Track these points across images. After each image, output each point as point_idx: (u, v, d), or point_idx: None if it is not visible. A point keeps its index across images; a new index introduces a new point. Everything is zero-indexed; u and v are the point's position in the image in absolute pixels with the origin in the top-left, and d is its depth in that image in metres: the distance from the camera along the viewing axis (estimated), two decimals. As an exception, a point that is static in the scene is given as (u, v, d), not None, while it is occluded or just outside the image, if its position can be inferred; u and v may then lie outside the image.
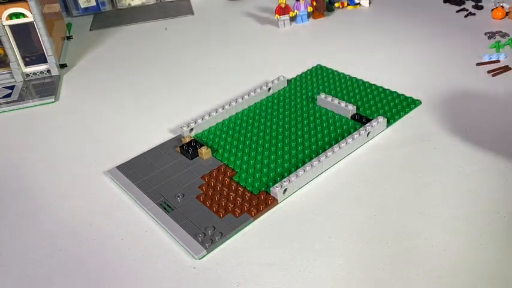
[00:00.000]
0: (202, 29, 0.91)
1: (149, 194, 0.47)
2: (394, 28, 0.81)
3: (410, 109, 0.58)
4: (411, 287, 0.36)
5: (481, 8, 0.84)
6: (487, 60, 0.67)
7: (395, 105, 0.58)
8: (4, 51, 0.72)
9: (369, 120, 0.55)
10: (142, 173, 0.50)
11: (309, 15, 0.89)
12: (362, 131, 0.52)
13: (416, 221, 0.42)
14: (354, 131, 0.53)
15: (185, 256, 0.41)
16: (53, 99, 0.69)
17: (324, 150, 0.51)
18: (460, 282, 0.36)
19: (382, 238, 0.41)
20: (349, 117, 0.56)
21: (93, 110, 0.66)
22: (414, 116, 0.57)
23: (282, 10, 0.85)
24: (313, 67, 0.70)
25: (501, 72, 0.64)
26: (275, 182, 0.47)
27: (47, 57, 0.74)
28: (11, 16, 0.70)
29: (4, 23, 0.70)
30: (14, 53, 0.72)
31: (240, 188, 0.47)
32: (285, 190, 0.46)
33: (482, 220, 0.41)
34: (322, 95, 0.59)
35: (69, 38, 0.91)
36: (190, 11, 1.00)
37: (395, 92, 0.61)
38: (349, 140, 0.51)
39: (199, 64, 0.76)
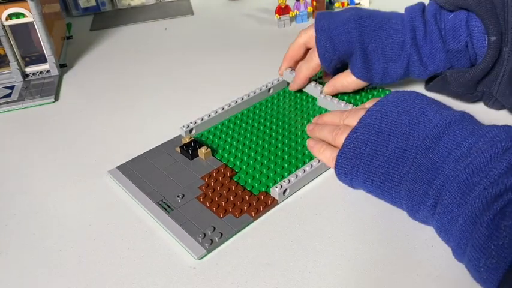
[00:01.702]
0: (202, 29, 0.91)
1: (149, 194, 0.47)
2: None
3: (410, 109, 0.58)
4: (411, 287, 0.36)
5: (481, 8, 0.84)
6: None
7: (395, 106, 0.58)
8: (4, 51, 0.72)
9: (368, 121, 0.55)
10: (142, 173, 0.50)
11: (309, 15, 0.89)
12: (362, 131, 0.52)
13: (416, 222, 0.42)
14: (353, 131, 0.53)
15: (185, 256, 0.41)
16: (53, 99, 0.69)
17: (324, 150, 0.51)
18: (460, 283, 0.36)
19: (382, 238, 0.41)
20: (349, 118, 0.56)
21: (93, 110, 0.66)
22: (414, 116, 0.57)
23: (282, 10, 0.85)
24: (313, 67, 0.70)
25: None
26: (275, 182, 0.47)
27: (47, 57, 0.74)
28: (11, 16, 0.70)
29: (4, 23, 0.70)
30: (14, 53, 0.72)
31: (240, 188, 0.47)
32: (285, 190, 0.46)
33: (482, 220, 0.41)
34: (322, 95, 0.59)
35: (69, 38, 0.91)
36: (190, 11, 1.00)
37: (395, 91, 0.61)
38: (349, 140, 0.51)
39: (199, 64, 0.76)
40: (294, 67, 0.63)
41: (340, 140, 0.45)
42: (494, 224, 0.31)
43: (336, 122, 0.49)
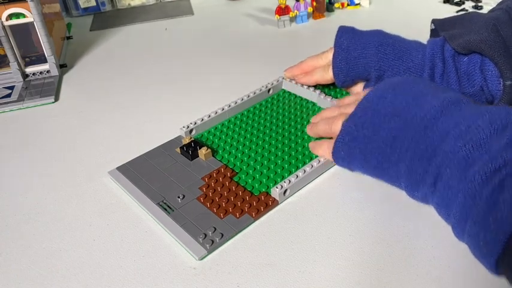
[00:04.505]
0: (202, 29, 0.91)
1: (149, 195, 0.47)
2: (394, 28, 0.81)
3: (410, 110, 0.58)
4: (411, 287, 0.36)
5: (480, 8, 0.84)
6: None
7: (395, 106, 0.58)
8: (4, 51, 0.72)
9: (368, 121, 0.55)
10: (142, 174, 0.50)
11: (309, 15, 0.89)
12: (362, 131, 0.52)
13: (416, 222, 0.42)
14: (353, 132, 0.53)
15: (185, 257, 0.41)
16: (53, 99, 0.69)
17: (324, 150, 0.51)
18: (460, 283, 0.36)
19: (382, 238, 0.41)
20: (349, 118, 0.56)
21: (93, 110, 0.66)
22: (414, 117, 0.57)
23: (282, 10, 0.85)
24: (313, 67, 0.70)
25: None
26: (275, 182, 0.47)
27: (47, 57, 0.74)
28: (11, 16, 0.70)
29: (4, 23, 0.70)
30: (14, 53, 0.72)
31: (240, 189, 0.47)
32: (286, 191, 0.46)
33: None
34: (322, 96, 0.59)
35: (69, 38, 0.91)
36: (190, 11, 1.00)
37: None
38: (349, 140, 0.51)
39: (199, 64, 0.76)
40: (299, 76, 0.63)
41: (337, 126, 0.45)
42: (493, 198, 0.31)
43: (333, 115, 0.50)
